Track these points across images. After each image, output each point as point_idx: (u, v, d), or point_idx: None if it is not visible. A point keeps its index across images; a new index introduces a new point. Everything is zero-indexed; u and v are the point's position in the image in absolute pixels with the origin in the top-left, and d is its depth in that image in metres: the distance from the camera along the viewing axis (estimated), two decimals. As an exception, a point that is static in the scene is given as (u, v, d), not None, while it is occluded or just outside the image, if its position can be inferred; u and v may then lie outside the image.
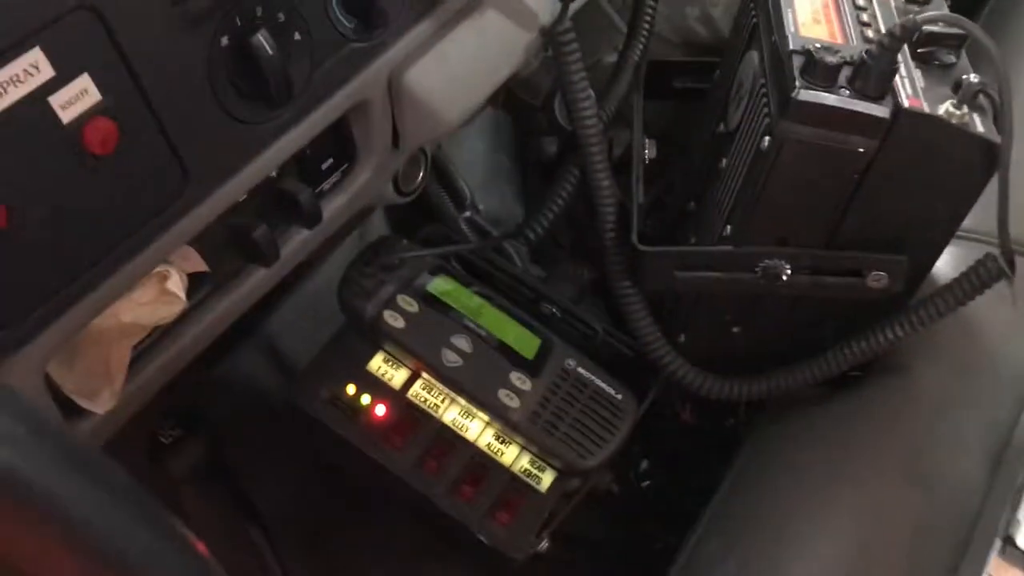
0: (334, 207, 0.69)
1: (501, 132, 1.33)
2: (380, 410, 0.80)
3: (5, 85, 0.43)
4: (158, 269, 0.58)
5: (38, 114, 0.45)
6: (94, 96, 0.47)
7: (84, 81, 0.46)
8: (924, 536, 0.68)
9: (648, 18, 0.85)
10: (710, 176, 0.78)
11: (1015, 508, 0.68)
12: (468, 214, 1.22)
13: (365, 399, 0.80)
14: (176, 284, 0.60)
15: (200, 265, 0.62)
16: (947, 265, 0.75)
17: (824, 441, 0.77)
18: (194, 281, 0.62)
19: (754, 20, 0.74)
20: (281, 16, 0.54)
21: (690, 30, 1.16)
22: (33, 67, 0.44)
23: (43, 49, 0.44)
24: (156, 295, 0.60)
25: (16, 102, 0.44)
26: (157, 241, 0.54)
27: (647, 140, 0.83)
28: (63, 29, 0.45)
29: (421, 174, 0.83)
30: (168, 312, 0.60)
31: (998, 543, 0.66)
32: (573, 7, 0.71)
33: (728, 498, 0.76)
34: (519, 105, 0.95)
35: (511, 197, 1.35)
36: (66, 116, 0.46)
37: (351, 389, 0.80)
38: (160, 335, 0.62)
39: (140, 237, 0.53)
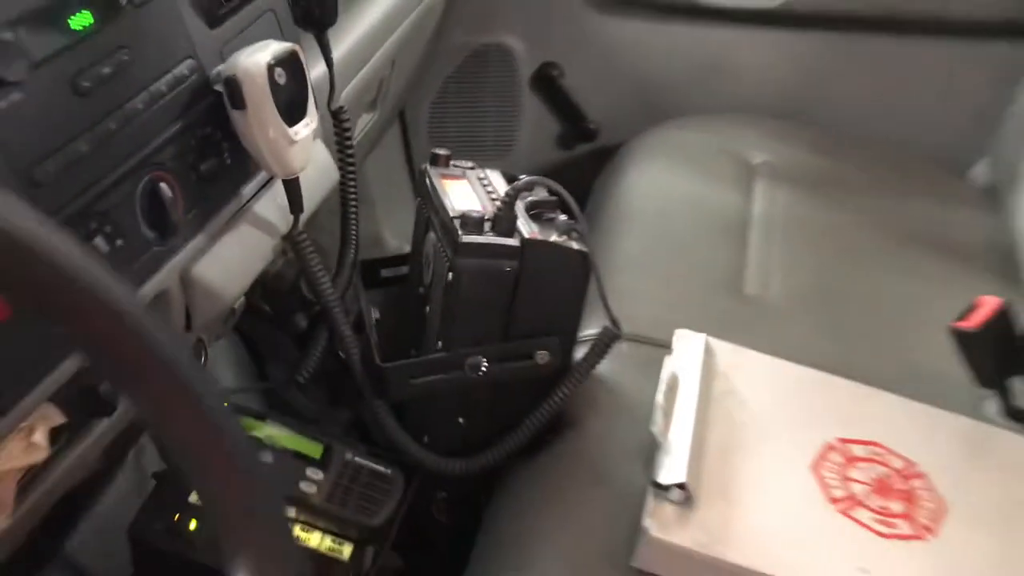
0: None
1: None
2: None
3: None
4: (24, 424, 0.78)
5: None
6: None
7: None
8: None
9: (354, 230, 1.18)
10: (419, 325, 1.09)
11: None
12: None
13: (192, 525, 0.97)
14: (40, 436, 0.80)
15: (59, 419, 0.82)
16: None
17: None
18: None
19: (426, 215, 1.09)
20: (108, 228, 0.80)
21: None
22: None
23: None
24: (26, 446, 0.79)
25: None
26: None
27: (372, 308, 1.14)
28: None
29: (203, 361, 1.07)
30: (38, 457, 0.79)
31: None
32: (303, 217, 1.02)
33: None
34: (272, 299, 1.22)
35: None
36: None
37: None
38: (36, 472, 0.80)
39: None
